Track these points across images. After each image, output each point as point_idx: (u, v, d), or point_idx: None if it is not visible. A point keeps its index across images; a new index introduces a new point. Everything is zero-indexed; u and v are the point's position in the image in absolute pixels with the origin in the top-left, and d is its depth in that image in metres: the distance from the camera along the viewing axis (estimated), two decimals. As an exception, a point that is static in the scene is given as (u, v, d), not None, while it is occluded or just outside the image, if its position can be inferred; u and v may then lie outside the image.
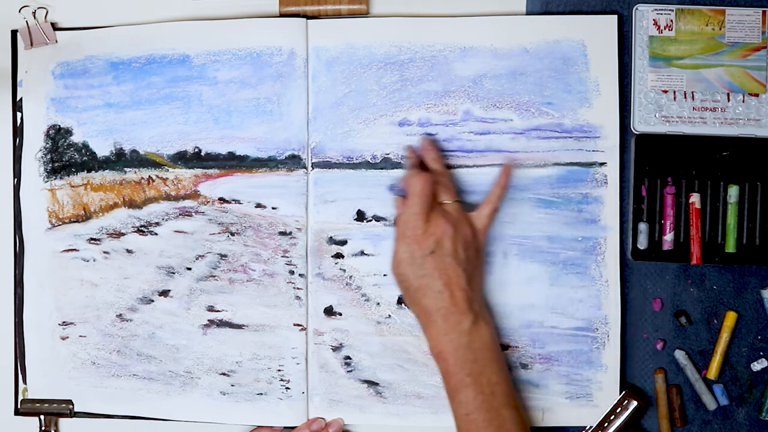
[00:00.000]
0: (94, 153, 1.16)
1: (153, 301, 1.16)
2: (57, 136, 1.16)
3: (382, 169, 1.15)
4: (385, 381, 1.14)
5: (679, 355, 1.14)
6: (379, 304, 1.15)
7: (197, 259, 1.15)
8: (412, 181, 1.07)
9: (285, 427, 1.15)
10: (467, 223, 1.08)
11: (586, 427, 1.14)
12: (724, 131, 1.13)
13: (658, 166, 1.14)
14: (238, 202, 1.15)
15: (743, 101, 1.13)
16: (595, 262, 1.14)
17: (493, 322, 1.10)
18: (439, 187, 1.08)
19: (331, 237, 1.15)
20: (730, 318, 1.14)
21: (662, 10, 1.14)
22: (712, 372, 1.14)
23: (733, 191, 1.13)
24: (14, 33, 1.16)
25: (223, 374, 1.15)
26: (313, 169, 1.15)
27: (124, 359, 1.16)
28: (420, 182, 1.06)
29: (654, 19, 1.14)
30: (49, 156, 1.16)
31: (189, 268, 1.15)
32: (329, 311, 1.15)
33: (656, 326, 1.15)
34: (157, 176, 1.16)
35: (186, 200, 1.15)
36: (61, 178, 1.16)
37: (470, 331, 1.05)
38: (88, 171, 1.16)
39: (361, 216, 1.15)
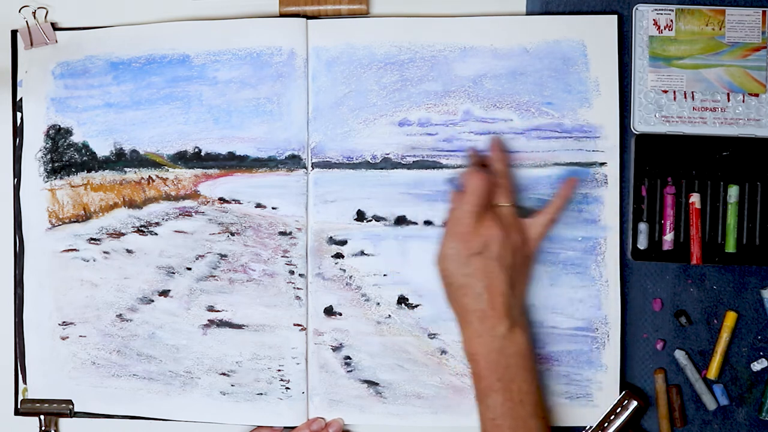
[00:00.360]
0: (94, 153, 1.16)
1: (153, 301, 1.16)
2: (57, 136, 1.16)
3: (382, 169, 1.15)
4: (385, 381, 1.14)
5: (679, 355, 1.14)
6: (379, 304, 1.15)
7: (197, 259, 1.15)
8: (471, 178, 1.06)
9: (285, 427, 1.15)
10: (519, 229, 1.08)
11: (586, 427, 1.14)
12: (724, 131, 1.13)
13: (658, 166, 1.14)
14: (238, 202, 1.15)
15: (743, 101, 1.13)
16: (595, 262, 1.14)
17: (530, 331, 1.09)
18: (497, 189, 1.08)
19: (331, 237, 1.15)
20: (730, 318, 1.13)
21: (662, 10, 1.14)
22: (712, 372, 1.14)
23: (733, 191, 1.13)
24: (14, 33, 1.16)
25: (223, 374, 1.15)
26: (313, 169, 1.15)
27: (124, 359, 1.16)
28: (477, 181, 1.05)
29: (654, 19, 1.14)
30: (49, 156, 1.16)
31: (189, 268, 1.15)
32: (329, 311, 1.15)
33: (656, 326, 1.15)
34: (157, 176, 1.16)
35: (186, 200, 1.15)
36: (61, 178, 1.16)
37: (505, 336, 1.04)
38: (88, 171, 1.16)
39: (361, 216, 1.15)
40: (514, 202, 1.09)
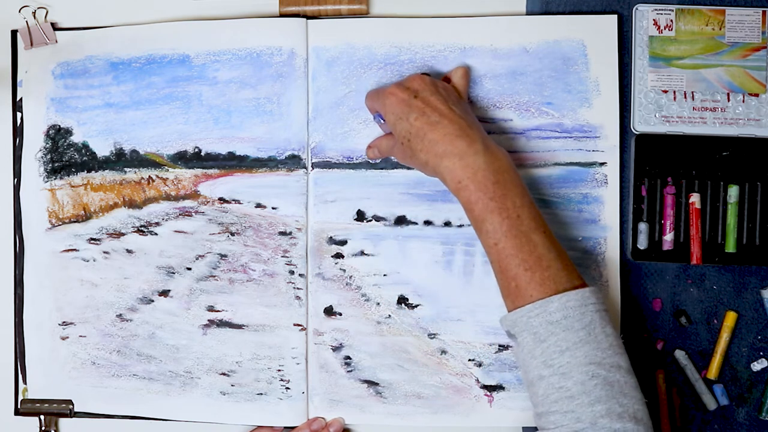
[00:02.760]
0: (94, 153, 1.16)
1: (153, 301, 1.16)
2: (57, 136, 1.16)
3: (382, 169, 1.15)
4: (385, 381, 1.14)
5: (680, 354, 1.14)
6: (379, 304, 1.15)
7: (197, 259, 1.15)
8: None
9: (285, 427, 1.15)
10: (443, 82, 1.09)
11: (586, 427, 1.14)
12: (724, 131, 1.13)
13: (658, 166, 1.14)
14: (238, 202, 1.15)
15: (743, 101, 1.13)
16: (595, 262, 1.14)
17: (504, 149, 1.05)
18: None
19: (331, 237, 1.15)
20: (730, 318, 1.14)
21: (662, 10, 1.14)
22: (712, 372, 1.14)
23: (733, 191, 1.13)
24: (14, 33, 1.17)
25: (223, 374, 1.15)
26: (313, 169, 1.15)
27: (124, 359, 1.16)
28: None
29: (654, 19, 1.14)
30: (49, 156, 1.16)
31: (189, 268, 1.15)
32: (329, 311, 1.15)
33: (656, 326, 1.15)
34: (157, 176, 1.16)
35: (186, 200, 1.15)
36: (61, 178, 1.16)
37: (485, 152, 1.01)
38: (88, 171, 1.16)
39: (361, 216, 1.15)
40: (428, 73, 1.12)
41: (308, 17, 1.15)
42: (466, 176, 1.01)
